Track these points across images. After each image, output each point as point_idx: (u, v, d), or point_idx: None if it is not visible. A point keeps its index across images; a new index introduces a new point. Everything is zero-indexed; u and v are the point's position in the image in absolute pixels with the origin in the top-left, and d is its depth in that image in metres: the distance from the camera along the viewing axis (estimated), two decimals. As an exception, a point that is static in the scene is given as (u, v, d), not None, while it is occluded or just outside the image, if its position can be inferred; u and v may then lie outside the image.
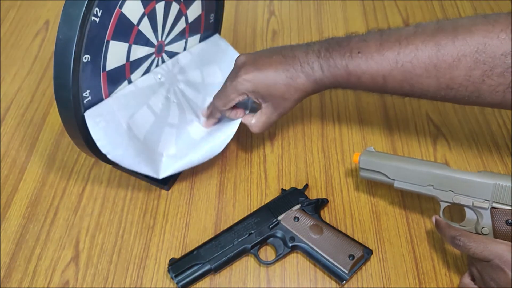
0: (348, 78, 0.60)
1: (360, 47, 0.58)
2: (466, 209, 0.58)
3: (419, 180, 0.60)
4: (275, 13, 0.97)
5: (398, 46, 0.56)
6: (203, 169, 0.72)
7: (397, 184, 0.61)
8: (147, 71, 0.63)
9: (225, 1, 0.97)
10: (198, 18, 0.70)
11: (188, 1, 0.66)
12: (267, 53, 0.63)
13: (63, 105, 0.52)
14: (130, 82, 0.61)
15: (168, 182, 0.69)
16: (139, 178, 0.71)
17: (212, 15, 0.74)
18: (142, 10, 0.57)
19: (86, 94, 0.53)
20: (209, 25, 0.74)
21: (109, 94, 0.58)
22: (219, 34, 0.78)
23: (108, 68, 0.55)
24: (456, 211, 0.65)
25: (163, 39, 0.64)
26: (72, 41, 0.48)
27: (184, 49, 0.70)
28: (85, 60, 0.51)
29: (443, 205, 0.59)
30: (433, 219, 0.58)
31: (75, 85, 0.50)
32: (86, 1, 0.47)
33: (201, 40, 0.74)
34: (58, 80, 0.50)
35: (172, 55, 0.68)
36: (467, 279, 0.56)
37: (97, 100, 0.56)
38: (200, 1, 0.68)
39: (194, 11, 0.68)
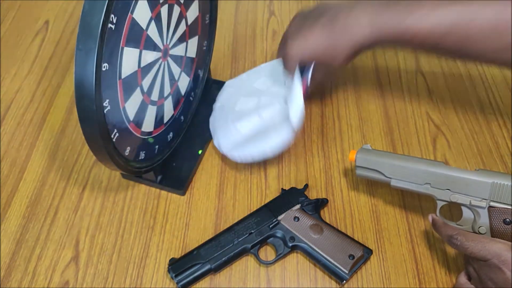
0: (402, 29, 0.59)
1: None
2: (463, 208, 0.58)
3: (416, 178, 0.59)
4: (275, 13, 0.97)
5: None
6: (203, 169, 0.72)
7: (393, 183, 0.61)
8: (155, 77, 0.63)
9: (225, 1, 0.97)
10: (196, 20, 0.70)
11: (187, 3, 0.66)
12: (312, 16, 0.66)
13: (86, 117, 0.51)
14: (142, 89, 0.61)
15: (183, 186, 0.69)
16: (145, 184, 0.71)
17: (208, 15, 0.74)
18: (149, 14, 0.57)
19: (106, 103, 0.53)
20: (205, 26, 0.75)
21: (125, 102, 0.58)
22: (215, 33, 0.78)
23: (123, 75, 0.55)
24: (454, 210, 0.65)
25: (168, 42, 0.64)
26: (93, 51, 0.47)
27: (185, 52, 0.71)
28: (104, 69, 0.50)
29: (439, 203, 0.59)
30: (430, 217, 0.58)
31: (98, 95, 0.50)
32: (105, 8, 0.47)
33: (198, 41, 0.74)
34: (80, 91, 0.49)
35: (175, 58, 0.68)
36: (463, 279, 0.55)
37: (115, 109, 0.56)
38: (197, 3, 0.68)
39: (193, 13, 0.69)
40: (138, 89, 0.60)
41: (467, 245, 0.51)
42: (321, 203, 0.66)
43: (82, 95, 0.49)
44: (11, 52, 0.90)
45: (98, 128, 0.52)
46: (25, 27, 0.95)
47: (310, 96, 0.75)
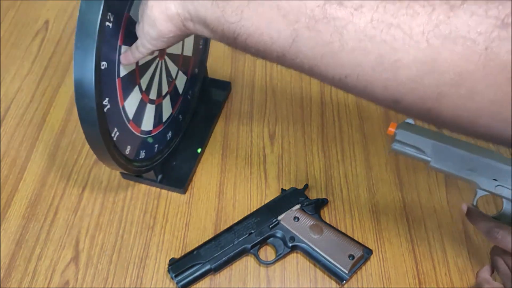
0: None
1: None
2: (505, 201, 0.54)
3: (460, 163, 0.55)
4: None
5: None
6: (203, 169, 0.72)
7: (433, 163, 0.56)
8: (153, 75, 0.64)
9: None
10: None
11: None
12: None
13: (86, 115, 0.51)
14: (140, 87, 0.61)
15: (184, 185, 0.69)
16: (145, 184, 0.71)
17: None
18: None
19: (106, 102, 0.53)
20: None
21: (124, 101, 0.58)
22: None
23: (121, 74, 0.55)
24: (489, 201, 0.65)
25: None
26: (92, 49, 0.47)
27: (182, 51, 0.70)
28: (103, 67, 0.51)
29: (480, 193, 0.55)
30: (464, 207, 0.54)
31: (98, 93, 0.50)
32: (102, 6, 0.47)
33: (195, 40, 0.74)
34: (80, 90, 0.49)
35: (172, 57, 0.68)
36: (486, 274, 0.52)
37: (115, 107, 0.56)
38: None
39: None
40: (137, 88, 0.60)
41: (509, 240, 0.47)
42: (321, 203, 0.66)
43: (81, 94, 0.49)
44: (11, 52, 0.90)
45: (99, 127, 0.52)
46: (25, 27, 0.95)
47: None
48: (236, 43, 0.42)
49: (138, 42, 0.51)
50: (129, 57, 0.54)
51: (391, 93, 0.36)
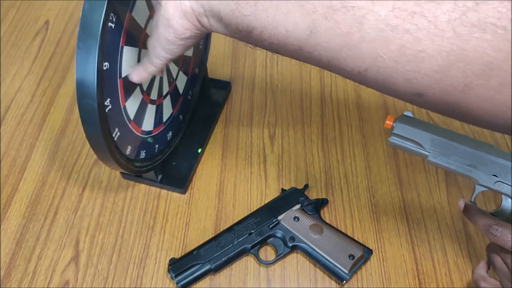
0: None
1: None
2: (504, 197, 0.53)
3: (459, 158, 0.53)
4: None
5: None
6: (203, 169, 0.72)
7: (431, 158, 0.54)
8: (153, 76, 0.64)
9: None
10: None
11: None
12: None
13: (88, 116, 0.51)
14: (141, 88, 0.61)
15: (184, 184, 0.69)
16: (145, 184, 0.71)
17: None
18: (147, 13, 0.57)
19: (107, 102, 0.53)
20: None
21: (125, 101, 0.58)
22: (210, 33, 0.77)
23: (123, 74, 0.55)
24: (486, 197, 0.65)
25: None
26: (94, 49, 0.47)
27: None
28: (105, 68, 0.51)
29: (478, 189, 0.53)
30: (461, 203, 0.53)
31: (100, 94, 0.50)
32: (105, 6, 0.47)
33: None
34: (81, 90, 0.49)
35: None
36: (482, 271, 0.51)
37: (116, 108, 0.56)
38: None
39: None
40: (138, 88, 0.60)
41: (509, 238, 0.46)
42: (321, 203, 0.66)
43: (83, 94, 0.49)
44: (11, 52, 0.90)
45: (100, 127, 0.52)
46: (25, 27, 0.95)
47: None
48: (251, 36, 0.41)
49: (151, 54, 0.50)
50: (141, 73, 0.53)
51: (414, 86, 0.35)
